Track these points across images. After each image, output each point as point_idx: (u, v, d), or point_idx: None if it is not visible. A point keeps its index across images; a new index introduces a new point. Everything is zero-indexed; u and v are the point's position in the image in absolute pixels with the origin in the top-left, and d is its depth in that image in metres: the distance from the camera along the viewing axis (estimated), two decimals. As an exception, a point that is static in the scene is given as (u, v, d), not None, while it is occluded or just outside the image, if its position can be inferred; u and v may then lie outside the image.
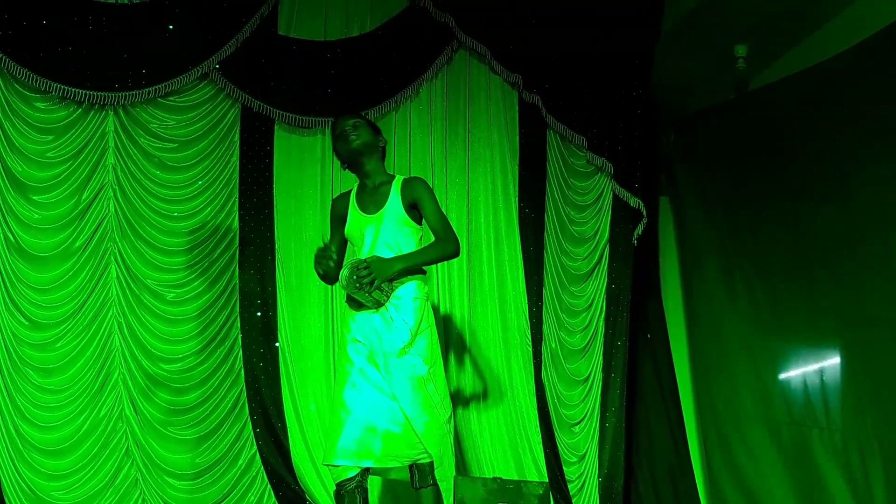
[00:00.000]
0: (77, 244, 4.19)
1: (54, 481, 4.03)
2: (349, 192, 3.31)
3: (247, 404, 4.34)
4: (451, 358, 4.53)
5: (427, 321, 3.12)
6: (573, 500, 4.49)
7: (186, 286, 4.32)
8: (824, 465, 3.98)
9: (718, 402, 4.66)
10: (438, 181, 4.62)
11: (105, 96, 4.19)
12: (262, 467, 4.30)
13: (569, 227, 4.74)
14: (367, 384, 3.01)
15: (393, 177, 3.24)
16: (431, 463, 3.05)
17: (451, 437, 3.20)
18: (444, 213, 3.29)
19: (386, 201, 3.17)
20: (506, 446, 4.49)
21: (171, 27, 4.29)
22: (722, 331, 4.68)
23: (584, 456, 4.56)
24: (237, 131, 4.46)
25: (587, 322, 4.68)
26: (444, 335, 4.49)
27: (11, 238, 4.10)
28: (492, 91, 4.75)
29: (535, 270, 4.69)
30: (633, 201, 4.63)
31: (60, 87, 4.12)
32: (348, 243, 3.31)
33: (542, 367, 4.63)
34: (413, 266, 3.09)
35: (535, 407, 4.52)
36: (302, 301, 4.46)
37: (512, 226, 4.69)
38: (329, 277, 3.23)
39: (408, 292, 3.09)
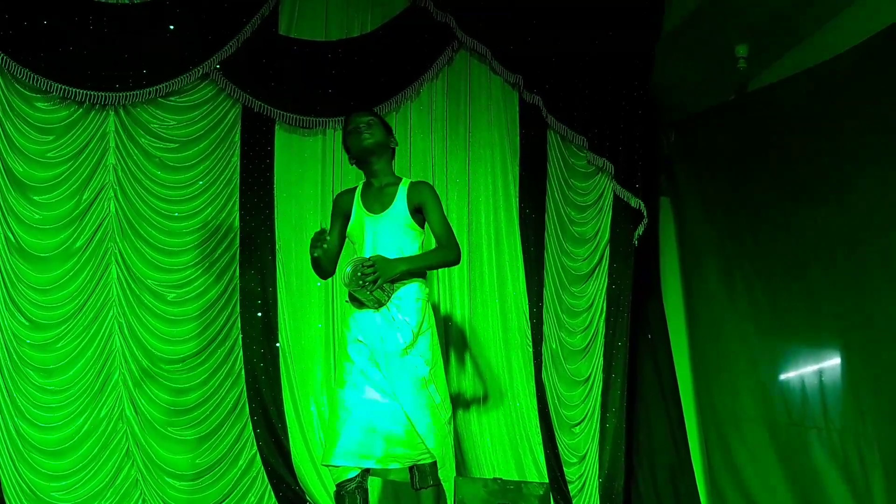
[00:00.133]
0: (78, 244, 4.19)
1: (54, 482, 4.03)
2: (354, 188, 3.31)
3: (247, 405, 4.34)
4: (452, 358, 4.53)
5: (429, 322, 3.12)
6: (573, 501, 4.49)
7: (187, 286, 4.32)
8: (824, 465, 3.97)
9: (718, 402, 4.65)
10: (439, 181, 4.63)
11: (106, 96, 4.19)
12: (263, 468, 4.30)
13: (569, 228, 4.74)
14: (368, 384, 3.01)
15: (400, 179, 3.25)
16: (433, 463, 3.05)
17: (452, 438, 3.20)
18: (446, 215, 3.29)
19: (392, 202, 3.17)
20: (506, 447, 4.49)
21: (171, 27, 4.29)
22: (722, 331, 4.68)
23: (584, 456, 4.56)
24: (238, 131, 4.46)
25: (588, 322, 4.68)
26: (445, 336, 4.49)
27: (12, 238, 4.10)
28: (492, 91, 4.75)
29: (535, 271, 4.69)
30: (634, 202, 4.63)
31: (61, 88, 4.12)
32: (347, 241, 3.31)
33: (543, 368, 4.64)
34: (415, 269, 3.10)
35: (536, 407, 4.52)
36: (302, 301, 4.46)
37: (512, 226, 4.70)
38: (323, 270, 3.23)
39: (410, 293, 3.09)
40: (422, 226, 3.21)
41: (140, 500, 4.13)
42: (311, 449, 4.30)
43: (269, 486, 4.27)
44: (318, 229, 3.14)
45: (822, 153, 4.06)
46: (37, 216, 4.15)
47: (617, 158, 4.66)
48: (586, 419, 4.61)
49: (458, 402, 4.50)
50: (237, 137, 4.46)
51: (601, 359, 4.64)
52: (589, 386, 4.64)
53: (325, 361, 4.43)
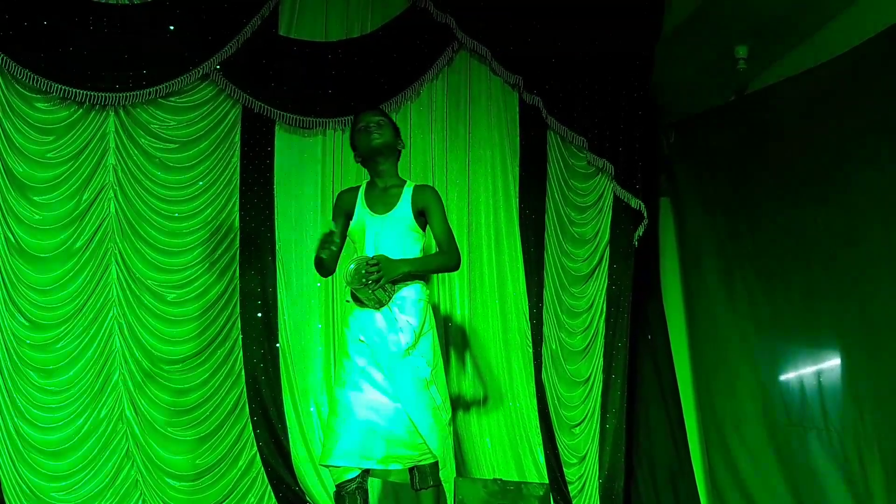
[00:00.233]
0: (77, 245, 4.19)
1: (54, 482, 4.03)
2: (357, 187, 3.32)
3: (247, 405, 4.34)
4: (452, 359, 4.53)
5: (430, 323, 3.13)
6: (573, 502, 4.49)
7: (187, 287, 4.32)
8: (823, 466, 3.98)
9: (718, 402, 4.66)
10: (439, 182, 4.62)
11: (106, 97, 4.19)
12: (263, 468, 4.30)
13: (569, 229, 4.74)
14: (369, 385, 3.01)
15: (404, 181, 3.27)
16: (433, 464, 3.05)
17: (452, 440, 3.20)
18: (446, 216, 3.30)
19: (396, 204, 3.18)
20: (506, 447, 4.49)
21: (171, 28, 4.29)
22: (722, 331, 4.68)
23: (584, 457, 4.56)
24: (238, 132, 4.46)
25: (588, 323, 4.68)
26: (445, 336, 4.49)
27: (12, 239, 4.09)
28: (492, 92, 4.75)
29: (535, 271, 4.69)
30: (635, 202, 4.63)
31: (61, 88, 4.11)
32: (347, 240, 3.32)
33: (543, 369, 4.63)
34: (417, 271, 3.12)
35: (536, 408, 4.52)
36: (302, 302, 4.46)
37: (512, 227, 4.69)
38: (326, 269, 3.24)
39: (412, 294, 3.10)
40: (424, 229, 3.22)
41: (140, 501, 4.12)
42: (311, 449, 4.30)
43: (269, 487, 4.27)
44: (326, 230, 3.14)
45: (821, 154, 4.06)
46: (37, 217, 4.15)
47: (617, 159, 4.66)
48: (586, 420, 4.61)
49: (459, 403, 4.50)
50: (237, 138, 4.46)
51: (601, 359, 4.64)
52: (589, 387, 4.64)
53: (326, 362, 4.43)
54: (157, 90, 4.25)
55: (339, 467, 2.99)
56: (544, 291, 4.70)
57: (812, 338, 4.14)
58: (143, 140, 4.31)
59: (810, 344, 4.15)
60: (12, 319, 4.06)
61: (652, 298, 4.93)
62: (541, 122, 4.71)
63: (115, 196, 4.26)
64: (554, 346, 4.67)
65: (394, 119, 4.56)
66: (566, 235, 4.74)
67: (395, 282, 3.06)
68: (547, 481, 4.32)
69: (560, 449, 4.56)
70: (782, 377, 4.31)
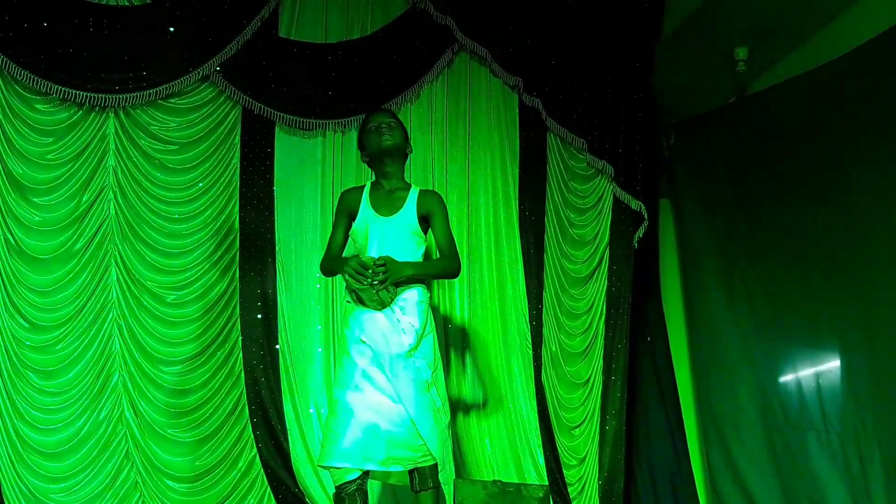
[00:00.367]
0: (77, 246, 4.19)
1: (54, 484, 4.02)
2: (361, 187, 3.33)
3: (247, 406, 4.34)
4: (452, 360, 4.53)
5: (431, 326, 3.15)
6: (573, 503, 4.49)
7: (187, 288, 4.32)
8: (823, 468, 3.98)
9: (718, 404, 4.65)
10: (439, 183, 4.63)
11: (105, 98, 4.18)
12: (262, 470, 4.29)
13: (569, 230, 4.74)
14: (370, 386, 3.01)
15: (410, 185, 3.29)
16: (433, 466, 3.05)
17: (451, 442, 3.21)
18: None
19: (401, 207, 3.20)
20: (506, 449, 4.49)
21: (171, 29, 4.28)
22: (721, 333, 4.68)
23: (584, 459, 4.57)
24: (238, 133, 4.46)
25: (587, 325, 4.69)
26: (445, 338, 4.49)
27: (12, 240, 4.09)
28: (492, 93, 4.75)
29: (535, 273, 4.70)
30: (635, 204, 4.63)
31: (61, 89, 4.11)
32: (349, 239, 3.33)
33: (543, 370, 4.64)
34: (420, 275, 3.14)
35: (536, 410, 4.53)
36: (302, 303, 4.46)
37: (512, 228, 4.70)
38: (332, 272, 3.25)
39: (414, 296, 3.12)
40: (426, 234, 3.24)
41: (139, 503, 4.12)
42: (311, 451, 4.30)
43: (269, 489, 4.26)
44: (355, 257, 3.13)
45: (821, 155, 4.06)
46: (36, 218, 4.15)
47: (617, 161, 4.67)
48: (586, 421, 4.61)
49: (458, 405, 4.50)
50: (237, 139, 4.46)
51: (601, 361, 4.65)
52: (588, 388, 4.65)
53: (325, 363, 4.43)
54: (157, 91, 4.25)
55: (339, 468, 2.99)
56: (544, 293, 4.70)
57: (812, 339, 4.14)
58: (143, 141, 4.31)
59: (810, 345, 4.15)
60: (12, 321, 4.06)
61: (651, 300, 4.94)
62: (540, 123, 4.71)
63: (115, 197, 4.26)
64: (553, 348, 4.67)
65: (395, 120, 4.62)
66: (566, 237, 4.74)
67: (398, 284, 3.06)
68: (546, 483, 4.33)
69: (560, 450, 4.56)
70: (782, 378, 4.31)
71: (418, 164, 4.65)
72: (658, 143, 5.16)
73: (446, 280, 4.56)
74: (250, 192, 4.45)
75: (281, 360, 4.40)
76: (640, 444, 4.76)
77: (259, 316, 4.41)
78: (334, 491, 3.07)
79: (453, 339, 4.56)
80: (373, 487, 3.98)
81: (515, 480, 4.29)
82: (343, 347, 3.18)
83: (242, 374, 4.35)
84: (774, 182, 4.38)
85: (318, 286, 4.46)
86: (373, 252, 3.14)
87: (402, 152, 3.29)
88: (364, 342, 3.07)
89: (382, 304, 3.06)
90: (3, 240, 4.07)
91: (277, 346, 4.40)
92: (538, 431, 4.50)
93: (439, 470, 3.08)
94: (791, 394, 4.24)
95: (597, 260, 4.72)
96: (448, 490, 3.84)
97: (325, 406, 4.35)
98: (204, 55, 4.30)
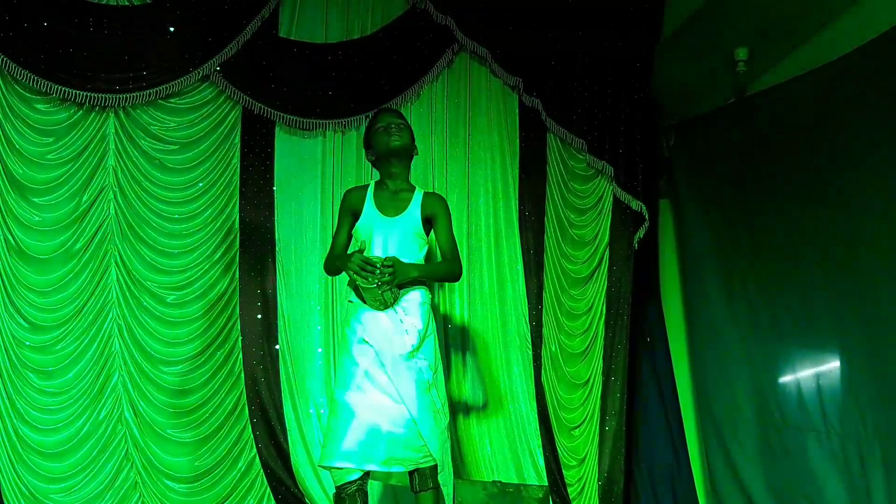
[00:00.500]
0: (77, 246, 4.19)
1: (54, 484, 4.03)
2: (366, 186, 3.33)
3: (247, 407, 4.34)
4: (452, 361, 4.53)
5: (433, 327, 3.16)
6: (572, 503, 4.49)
7: (186, 288, 4.32)
8: (824, 469, 3.97)
9: (717, 405, 4.65)
10: (439, 183, 4.63)
11: (106, 98, 4.18)
12: (262, 470, 4.30)
13: (569, 231, 4.74)
14: (372, 386, 3.02)
15: (414, 187, 3.29)
16: (433, 467, 3.06)
17: (450, 443, 3.21)
18: None
19: (406, 208, 3.20)
20: (506, 450, 4.49)
21: (171, 29, 4.28)
22: (721, 334, 4.67)
23: (583, 459, 4.57)
24: (238, 133, 4.46)
25: (587, 325, 4.69)
26: (444, 338, 4.49)
27: (11, 240, 4.09)
28: (492, 94, 4.75)
29: (535, 273, 4.70)
30: (636, 204, 4.63)
31: (61, 89, 4.10)
32: (352, 239, 3.33)
33: (542, 371, 4.64)
34: (424, 277, 3.16)
35: (535, 410, 4.53)
36: (302, 303, 4.47)
37: (512, 229, 4.70)
38: (336, 271, 3.27)
39: (417, 297, 3.13)
40: (428, 236, 3.25)
41: (139, 503, 4.12)
42: (311, 451, 4.30)
43: (269, 489, 4.27)
44: (359, 252, 3.13)
45: (822, 156, 4.06)
46: (36, 218, 4.15)
47: (617, 161, 4.67)
48: (586, 422, 4.61)
49: (458, 405, 4.50)
50: (237, 139, 4.46)
51: (601, 362, 4.65)
52: (588, 389, 4.65)
53: (326, 363, 4.43)
54: (157, 91, 4.25)
55: (340, 469, 2.99)
56: (544, 293, 4.70)
57: (812, 339, 4.13)
58: (143, 141, 4.31)
59: (810, 345, 4.14)
60: (12, 321, 4.06)
61: (651, 300, 4.94)
62: (540, 123, 4.71)
63: (115, 197, 4.26)
64: (553, 349, 4.67)
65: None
66: (566, 237, 4.74)
67: (402, 285, 3.07)
68: (546, 483, 4.33)
69: (559, 451, 4.56)
70: (781, 379, 4.31)
71: (418, 164, 4.62)
72: (658, 143, 5.15)
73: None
74: (250, 192, 4.45)
75: (281, 360, 4.40)
76: (639, 445, 4.76)
77: (259, 316, 4.41)
78: (334, 491, 3.07)
79: (453, 340, 4.56)
80: (373, 488, 3.98)
81: (515, 481, 4.29)
82: (345, 347, 3.18)
83: (242, 374, 4.35)
84: (774, 182, 4.37)
85: (318, 286, 4.46)
86: (376, 252, 3.14)
87: (409, 153, 3.29)
88: (366, 342, 3.07)
89: (385, 305, 3.06)
90: (3, 240, 4.07)
91: (277, 347, 4.41)
92: (538, 432, 4.50)
93: (438, 471, 3.08)
94: (791, 394, 4.23)
95: (597, 260, 4.72)
96: (447, 491, 3.84)
97: (324, 406, 4.36)
98: (204, 55, 4.30)
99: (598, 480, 4.53)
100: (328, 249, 3.42)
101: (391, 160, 3.25)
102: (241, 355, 4.37)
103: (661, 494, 4.65)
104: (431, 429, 3.02)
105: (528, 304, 4.64)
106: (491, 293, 4.63)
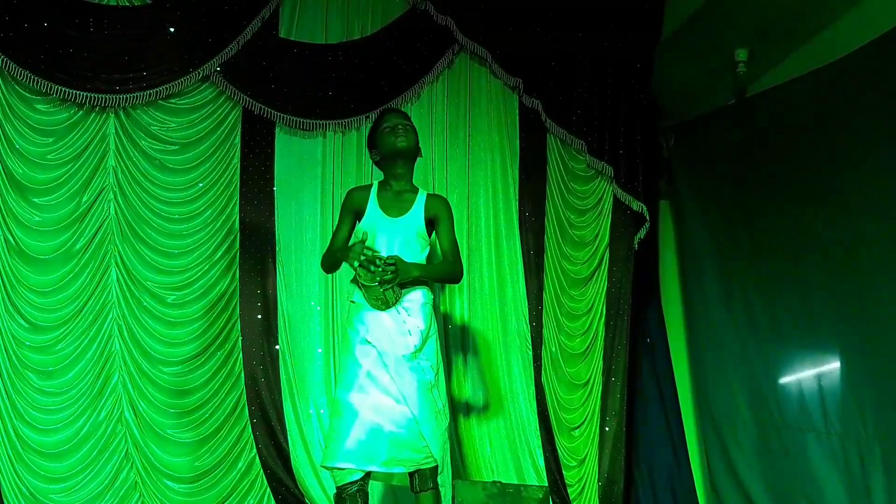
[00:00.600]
0: (77, 247, 4.19)
1: (54, 484, 4.03)
2: (369, 186, 3.33)
3: (246, 407, 4.34)
4: (452, 361, 4.53)
5: (434, 327, 3.16)
6: (572, 504, 4.49)
7: (186, 288, 4.32)
8: (823, 469, 3.97)
9: (717, 406, 4.65)
10: (439, 184, 4.63)
11: (106, 98, 4.18)
12: (262, 470, 4.30)
13: (569, 231, 4.74)
14: (374, 387, 3.01)
15: (417, 188, 3.29)
16: (433, 467, 3.05)
17: (449, 444, 3.21)
18: None
19: (409, 209, 3.20)
20: (506, 450, 4.49)
21: (171, 29, 4.28)
22: (721, 335, 4.67)
23: (583, 460, 4.57)
24: (238, 133, 4.46)
25: (587, 326, 4.69)
26: (445, 339, 4.49)
27: (11, 240, 4.09)
28: (492, 94, 4.75)
29: (535, 274, 4.70)
30: (636, 205, 4.63)
31: (61, 90, 4.10)
32: (353, 238, 3.33)
33: (542, 371, 4.64)
34: (426, 277, 3.15)
35: (535, 411, 4.53)
36: (302, 303, 4.47)
37: (512, 229, 4.70)
38: (336, 267, 3.27)
39: (419, 297, 3.13)
40: (430, 237, 3.25)
41: (139, 503, 4.12)
42: (311, 451, 4.30)
43: (269, 489, 4.27)
44: (360, 243, 3.11)
45: (821, 156, 4.06)
46: (36, 218, 4.15)
47: (617, 162, 4.67)
48: (586, 422, 4.61)
49: (458, 406, 4.50)
50: (237, 139, 4.46)
51: (601, 362, 4.65)
52: (588, 389, 4.65)
53: (325, 364, 4.43)
54: (157, 92, 4.25)
55: (342, 469, 2.98)
56: (544, 294, 4.70)
57: (811, 339, 4.13)
58: (143, 142, 4.31)
59: (809, 346, 4.14)
60: (12, 321, 4.06)
61: (651, 301, 4.94)
62: (540, 124, 4.71)
63: (115, 198, 4.26)
64: (553, 349, 4.67)
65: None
66: (566, 238, 4.74)
67: (403, 285, 3.07)
68: (546, 484, 4.33)
69: (559, 451, 4.56)
70: (781, 380, 4.30)
71: (418, 164, 4.54)
72: (658, 143, 5.16)
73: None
74: (250, 192, 4.45)
75: (281, 361, 4.40)
76: (639, 446, 4.76)
77: (259, 316, 4.41)
78: (335, 491, 3.07)
79: (453, 340, 4.56)
80: (373, 488, 3.98)
81: (515, 481, 4.29)
82: (347, 348, 3.17)
83: (242, 375, 4.35)
84: (774, 183, 4.37)
85: (318, 287, 4.46)
86: (379, 252, 3.14)
87: (414, 154, 3.29)
88: (369, 342, 3.06)
89: (386, 304, 3.05)
90: (3, 240, 4.07)
91: (277, 347, 4.41)
92: (538, 432, 4.50)
93: (439, 471, 3.08)
94: (791, 394, 4.23)
95: (597, 261, 4.72)
96: (446, 492, 3.84)
97: (324, 407, 4.35)
98: (204, 55, 4.30)
99: (598, 481, 4.53)
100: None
101: (396, 161, 3.25)
102: (241, 356, 4.37)
103: (661, 495, 4.65)
104: (433, 430, 3.02)
105: (528, 304, 4.64)
106: (491, 294, 4.63)
